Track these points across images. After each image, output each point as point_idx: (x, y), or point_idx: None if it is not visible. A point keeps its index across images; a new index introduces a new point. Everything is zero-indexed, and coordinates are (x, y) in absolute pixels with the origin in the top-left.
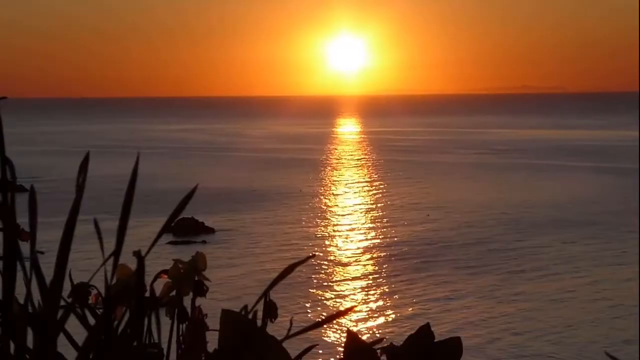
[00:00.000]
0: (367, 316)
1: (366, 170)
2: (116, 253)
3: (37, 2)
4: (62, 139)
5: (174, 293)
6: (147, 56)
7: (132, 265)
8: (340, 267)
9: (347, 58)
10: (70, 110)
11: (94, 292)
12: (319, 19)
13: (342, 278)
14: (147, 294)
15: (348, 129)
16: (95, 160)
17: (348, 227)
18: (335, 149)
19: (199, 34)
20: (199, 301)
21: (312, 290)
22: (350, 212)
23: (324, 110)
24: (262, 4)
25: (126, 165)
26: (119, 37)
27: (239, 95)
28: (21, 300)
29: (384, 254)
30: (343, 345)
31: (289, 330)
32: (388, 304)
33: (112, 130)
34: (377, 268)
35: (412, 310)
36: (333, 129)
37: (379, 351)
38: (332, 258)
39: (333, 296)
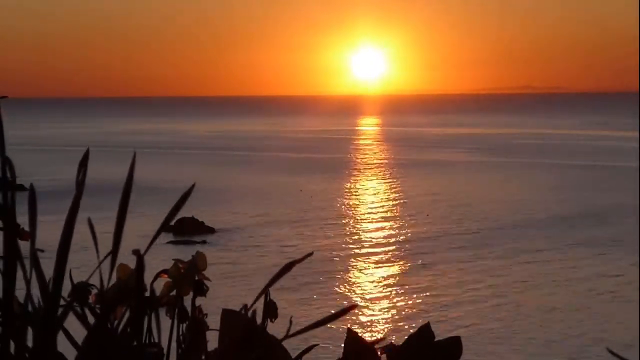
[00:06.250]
0: (367, 315)
1: (367, 170)
2: (114, 252)
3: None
4: (64, 137)
5: (174, 293)
6: (199, 57)
7: (132, 264)
8: (339, 266)
9: (368, 65)
10: (73, 110)
11: (94, 291)
12: (343, 32)
13: (342, 276)
14: (147, 294)
15: (352, 128)
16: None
17: (347, 226)
18: (335, 148)
19: (239, 38)
20: (199, 301)
21: (311, 289)
22: (349, 211)
23: (335, 110)
24: (289, 19)
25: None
26: (142, 38)
27: (266, 94)
28: (21, 300)
29: (384, 252)
30: (343, 344)
31: (289, 329)
32: (388, 303)
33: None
34: (376, 266)
35: (412, 308)
36: (333, 128)
37: (379, 350)
38: (331, 256)
39: (333, 295)
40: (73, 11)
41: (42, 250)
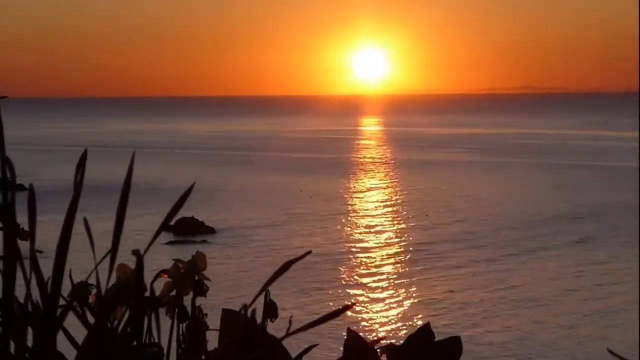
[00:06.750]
0: (367, 314)
1: (367, 170)
2: (113, 252)
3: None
4: (63, 138)
5: (174, 293)
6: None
7: (132, 264)
8: (339, 265)
9: (369, 65)
10: (73, 110)
11: (94, 291)
12: (344, 32)
13: (342, 276)
14: (147, 294)
15: (353, 128)
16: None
17: (347, 226)
18: (335, 148)
19: (240, 40)
20: (199, 301)
21: (311, 288)
22: (349, 211)
23: (336, 110)
24: (290, 19)
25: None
26: (145, 38)
27: (267, 94)
28: (21, 300)
29: (384, 252)
30: (343, 344)
31: (289, 328)
32: (388, 302)
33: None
34: (377, 266)
35: (412, 308)
36: (334, 128)
37: (379, 350)
38: (331, 256)
39: (333, 294)
40: (73, 11)
41: (41, 252)
